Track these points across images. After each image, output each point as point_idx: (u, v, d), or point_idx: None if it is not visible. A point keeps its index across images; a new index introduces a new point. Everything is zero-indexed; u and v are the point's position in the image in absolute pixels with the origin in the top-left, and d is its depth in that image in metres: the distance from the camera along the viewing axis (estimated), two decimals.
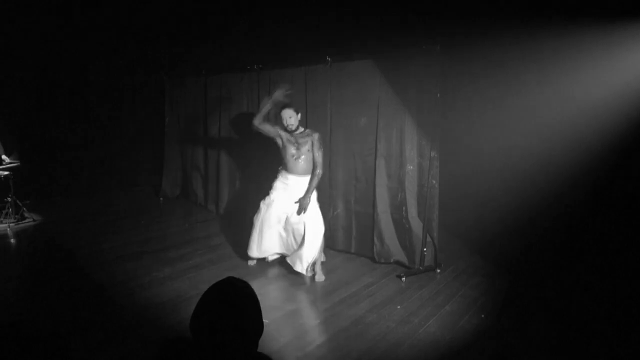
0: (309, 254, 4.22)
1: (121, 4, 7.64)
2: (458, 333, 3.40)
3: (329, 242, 5.22)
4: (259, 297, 1.47)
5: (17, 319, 1.31)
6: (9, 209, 6.14)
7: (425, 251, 4.51)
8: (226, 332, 1.35)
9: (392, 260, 4.75)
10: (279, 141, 4.40)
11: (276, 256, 4.64)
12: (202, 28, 7.40)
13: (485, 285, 4.24)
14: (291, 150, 4.33)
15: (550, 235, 4.61)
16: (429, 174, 4.44)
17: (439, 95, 4.29)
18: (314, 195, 4.34)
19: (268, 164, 5.79)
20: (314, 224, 4.28)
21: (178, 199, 7.93)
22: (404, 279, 4.36)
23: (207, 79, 7.03)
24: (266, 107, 4.35)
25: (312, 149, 4.30)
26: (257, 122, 4.33)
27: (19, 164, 6.20)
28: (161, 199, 7.87)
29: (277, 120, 4.68)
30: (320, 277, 4.38)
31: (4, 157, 6.15)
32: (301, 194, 4.30)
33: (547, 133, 4.56)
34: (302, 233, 4.26)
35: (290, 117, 4.29)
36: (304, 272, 4.24)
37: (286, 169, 4.40)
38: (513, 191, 4.81)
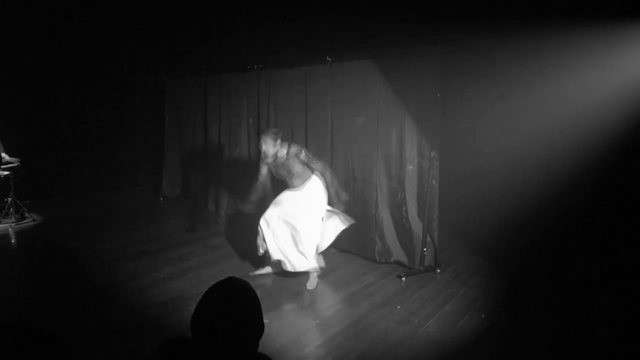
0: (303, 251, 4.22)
1: (121, 4, 7.64)
2: (458, 333, 3.40)
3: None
4: (259, 297, 1.47)
5: (17, 319, 1.31)
6: (9, 209, 6.14)
7: (425, 251, 4.51)
8: (226, 332, 1.35)
9: (392, 260, 4.76)
10: (269, 171, 4.28)
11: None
12: (202, 28, 7.40)
13: (485, 285, 4.24)
14: (282, 172, 4.22)
15: (550, 235, 4.61)
16: (429, 174, 4.44)
17: (439, 95, 4.29)
18: (316, 199, 4.24)
19: None
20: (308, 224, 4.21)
21: (178, 199, 7.92)
22: (404, 279, 4.36)
23: (207, 79, 7.03)
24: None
25: (308, 165, 4.17)
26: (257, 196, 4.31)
27: (18, 164, 6.21)
28: (161, 199, 7.87)
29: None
30: (310, 284, 4.28)
31: (3, 154, 6.15)
32: (305, 199, 4.23)
33: (547, 133, 4.56)
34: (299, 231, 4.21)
35: (262, 145, 4.10)
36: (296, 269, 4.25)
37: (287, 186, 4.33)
38: (513, 191, 4.81)
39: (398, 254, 4.74)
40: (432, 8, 5.00)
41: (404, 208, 4.66)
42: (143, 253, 5.11)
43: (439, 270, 4.54)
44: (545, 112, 4.61)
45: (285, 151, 4.11)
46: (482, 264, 4.77)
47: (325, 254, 4.90)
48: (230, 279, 1.46)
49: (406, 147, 4.59)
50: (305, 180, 4.24)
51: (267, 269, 4.52)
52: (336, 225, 4.40)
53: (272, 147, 4.07)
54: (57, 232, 5.95)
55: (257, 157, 6.08)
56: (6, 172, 6.02)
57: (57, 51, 7.48)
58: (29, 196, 6.96)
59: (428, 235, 4.54)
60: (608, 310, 3.66)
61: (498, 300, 3.95)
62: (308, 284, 4.26)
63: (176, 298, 3.95)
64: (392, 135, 4.68)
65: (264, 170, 4.26)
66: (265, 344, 1.56)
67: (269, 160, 4.16)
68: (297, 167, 4.17)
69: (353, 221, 4.41)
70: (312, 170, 4.25)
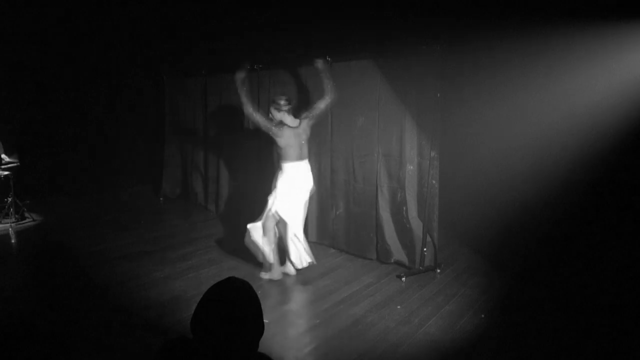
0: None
1: (121, 4, 7.64)
2: (458, 333, 3.40)
3: (331, 242, 5.23)
4: (259, 297, 1.47)
5: (17, 319, 1.31)
6: (9, 208, 6.14)
7: (425, 251, 4.51)
8: (227, 332, 1.35)
9: (392, 260, 4.75)
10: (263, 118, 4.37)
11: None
12: (202, 28, 7.40)
13: (485, 285, 4.24)
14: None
15: (551, 235, 4.61)
16: (429, 174, 4.44)
17: (439, 95, 4.29)
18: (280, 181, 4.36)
19: (268, 163, 5.80)
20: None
21: (178, 199, 7.92)
22: (404, 279, 4.36)
23: (207, 79, 7.03)
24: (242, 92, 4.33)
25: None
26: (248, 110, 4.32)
27: (18, 164, 6.21)
28: (161, 199, 7.87)
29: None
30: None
31: (3, 155, 6.16)
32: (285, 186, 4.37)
33: (548, 133, 4.56)
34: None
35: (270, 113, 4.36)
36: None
37: None
38: (513, 191, 4.81)
39: (398, 254, 4.74)
40: (432, 8, 4.99)
41: (404, 208, 4.66)
42: (143, 253, 5.11)
43: (439, 270, 4.54)
44: (545, 112, 4.61)
45: (294, 122, 4.28)
46: (482, 264, 4.77)
47: (325, 253, 4.92)
48: (230, 278, 1.46)
49: (406, 147, 4.59)
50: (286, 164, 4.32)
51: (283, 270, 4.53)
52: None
53: (277, 114, 4.27)
54: (57, 232, 5.95)
55: (257, 157, 6.13)
56: (6, 172, 6.02)
57: (57, 51, 7.48)
58: (29, 196, 6.96)
59: (428, 235, 4.54)
60: (608, 309, 3.66)
61: (498, 300, 3.95)
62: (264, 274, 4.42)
63: (176, 298, 3.95)
64: (393, 135, 4.68)
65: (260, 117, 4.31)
66: (266, 344, 1.56)
67: (275, 124, 4.27)
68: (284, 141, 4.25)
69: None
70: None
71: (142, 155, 8.90)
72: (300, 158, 4.30)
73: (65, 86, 7.83)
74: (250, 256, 4.83)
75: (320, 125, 5.21)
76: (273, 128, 4.23)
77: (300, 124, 4.29)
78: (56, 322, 3.48)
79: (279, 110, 4.24)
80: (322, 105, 4.35)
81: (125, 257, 4.98)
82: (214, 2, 7.01)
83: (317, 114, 4.35)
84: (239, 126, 6.50)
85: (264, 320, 1.46)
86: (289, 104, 4.29)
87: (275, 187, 4.34)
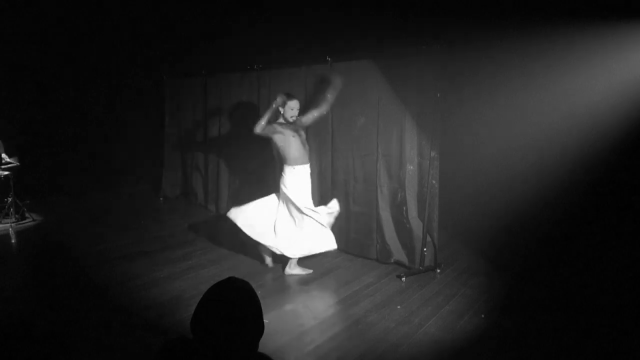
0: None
1: (121, 4, 7.64)
2: (458, 333, 3.40)
3: None
4: (259, 297, 1.47)
5: (17, 319, 1.32)
6: (9, 209, 6.14)
7: (425, 251, 4.51)
8: (227, 332, 1.35)
9: (392, 260, 4.75)
10: (281, 137, 4.32)
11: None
12: (202, 28, 7.40)
13: (485, 285, 4.24)
14: (298, 140, 4.38)
15: (551, 235, 4.61)
16: (429, 174, 4.44)
17: (439, 95, 4.29)
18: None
19: (268, 163, 5.80)
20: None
21: (178, 199, 7.92)
22: (404, 279, 4.36)
23: (207, 79, 7.04)
24: (268, 114, 4.28)
25: (305, 128, 4.61)
26: (259, 129, 4.22)
27: (19, 164, 6.21)
28: (161, 199, 7.87)
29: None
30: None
31: (3, 155, 6.16)
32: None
33: (548, 133, 4.56)
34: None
35: (293, 109, 4.36)
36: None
37: (301, 161, 4.41)
38: (513, 191, 4.81)
39: (398, 254, 4.74)
40: (432, 8, 4.99)
41: (404, 208, 4.66)
42: (143, 253, 5.11)
43: (439, 270, 4.54)
44: (545, 112, 4.61)
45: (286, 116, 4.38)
46: (482, 264, 4.77)
47: (325, 253, 4.90)
48: (230, 278, 1.46)
49: (406, 147, 4.59)
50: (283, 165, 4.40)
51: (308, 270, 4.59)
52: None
53: (297, 111, 4.40)
54: (57, 232, 5.95)
55: (256, 157, 6.12)
56: (6, 172, 6.02)
57: (57, 51, 7.48)
58: (29, 196, 6.96)
59: (428, 235, 4.54)
60: (608, 310, 3.66)
61: (498, 300, 3.95)
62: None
63: (176, 298, 3.95)
64: (393, 135, 4.68)
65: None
66: (266, 344, 1.56)
67: (285, 126, 4.37)
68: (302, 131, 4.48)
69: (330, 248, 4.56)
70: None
71: (142, 155, 8.91)
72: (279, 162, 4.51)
73: (65, 86, 7.84)
74: (250, 256, 4.84)
75: (321, 125, 5.22)
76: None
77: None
78: (56, 322, 3.48)
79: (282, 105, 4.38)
80: (312, 115, 4.57)
81: (125, 257, 4.98)
82: (214, 2, 7.01)
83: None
84: (239, 126, 6.50)
85: (264, 320, 1.46)
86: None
87: None
